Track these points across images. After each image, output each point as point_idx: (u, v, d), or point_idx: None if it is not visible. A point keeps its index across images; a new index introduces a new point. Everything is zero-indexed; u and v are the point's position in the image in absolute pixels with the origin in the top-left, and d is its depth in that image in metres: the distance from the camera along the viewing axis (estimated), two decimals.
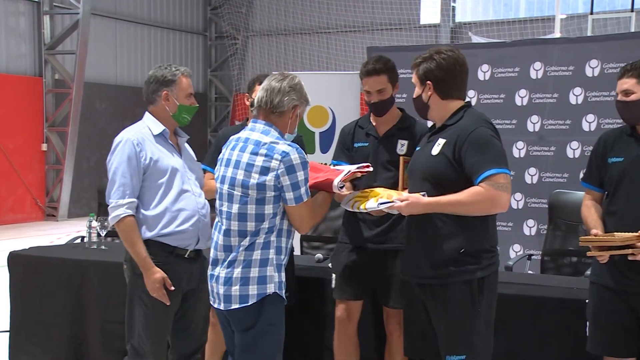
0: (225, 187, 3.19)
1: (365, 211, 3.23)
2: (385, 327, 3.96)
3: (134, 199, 3.50)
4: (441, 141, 3.16)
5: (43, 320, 4.95)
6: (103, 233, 5.30)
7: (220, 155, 3.32)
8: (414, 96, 3.31)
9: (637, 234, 3.11)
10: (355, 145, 3.97)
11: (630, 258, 3.13)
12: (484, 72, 6.91)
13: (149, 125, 3.62)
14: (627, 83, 3.29)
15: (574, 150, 6.56)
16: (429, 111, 3.29)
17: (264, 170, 3.09)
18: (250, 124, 3.27)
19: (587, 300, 3.46)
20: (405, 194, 3.19)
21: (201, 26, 18.76)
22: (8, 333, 5.05)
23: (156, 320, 3.54)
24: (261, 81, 4.14)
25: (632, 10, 11.68)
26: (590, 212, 3.42)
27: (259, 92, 3.33)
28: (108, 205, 3.53)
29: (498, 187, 3.01)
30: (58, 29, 14.52)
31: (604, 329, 3.34)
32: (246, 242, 3.12)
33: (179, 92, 3.59)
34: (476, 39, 13.64)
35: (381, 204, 3.11)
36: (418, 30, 15.98)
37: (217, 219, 3.28)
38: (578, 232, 4.90)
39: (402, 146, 3.87)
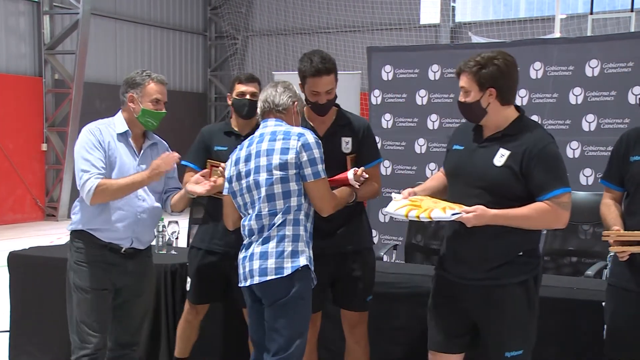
0: (251, 178, 3.37)
1: (428, 220, 3.12)
2: (345, 333, 3.86)
3: (100, 169, 3.62)
4: (504, 152, 3.15)
5: (43, 320, 4.94)
6: None
7: (234, 157, 3.49)
8: (470, 100, 3.19)
9: None
10: None
11: None
12: None
13: (115, 122, 3.81)
14: None
15: (573, 150, 6.56)
16: (486, 117, 3.22)
17: (284, 150, 3.31)
18: (261, 124, 3.47)
19: (603, 303, 3.43)
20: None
21: (201, 26, 18.76)
22: (8, 333, 5.05)
23: (92, 305, 3.64)
24: (241, 80, 4.20)
25: (632, 10, 11.67)
26: (610, 210, 3.36)
27: (259, 104, 3.49)
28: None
29: (563, 207, 3.10)
30: (58, 29, 14.51)
31: (624, 332, 3.28)
32: (278, 219, 3.30)
33: (144, 96, 3.71)
34: (476, 39, 13.64)
35: (453, 214, 3.04)
36: (418, 30, 15.98)
37: (243, 217, 3.45)
38: (578, 232, 4.91)
39: (346, 144, 3.77)
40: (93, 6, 14.32)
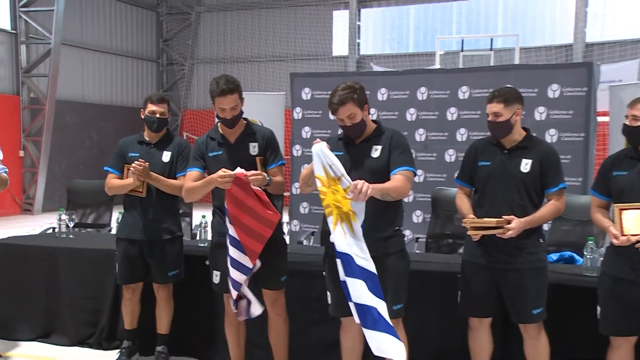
0: None
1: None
2: (267, 307, 3.70)
3: None
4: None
5: (21, 299, 4.76)
6: (71, 224, 5.14)
7: None
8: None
9: (506, 217, 3.20)
10: (210, 154, 3.64)
11: (498, 235, 3.21)
12: (382, 94, 7.00)
13: None
14: (497, 107, 3.31)
15: (450, 156, 6.73)
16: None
17: None
18: None
19: (459, 275, 3.51)
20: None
21: (154, 54, 18.34)
22: None
23: None
24: (152, 100, 4.09)
25: (491, 50, 12.13)
26: (464, 202, 3.49)
27: None
28: None
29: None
30: (33, 55, 13.93)
31: (472, 296, 3.40)
32: None
33: None
34: (376, 68, 13.83)
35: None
36: (331, 60, 16.08)
37: None
38: (454, 220, 5.00)
39: (253, 148, 3.62)
40: (63, 37, 13.85)
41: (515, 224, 3.19)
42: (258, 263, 3.43)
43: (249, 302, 3.52)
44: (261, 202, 3.37)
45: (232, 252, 3.42)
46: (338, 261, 3.04)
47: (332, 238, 3.05)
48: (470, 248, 3.42)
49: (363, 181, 2.98)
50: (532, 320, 3.30)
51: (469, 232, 3.30)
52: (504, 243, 3.25)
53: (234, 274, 3.44)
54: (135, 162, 3.94)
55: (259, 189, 3.41)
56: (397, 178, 3.19)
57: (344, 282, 3.02)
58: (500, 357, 3.56)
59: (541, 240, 3.36)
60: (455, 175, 3.65)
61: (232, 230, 3.41)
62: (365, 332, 2.98)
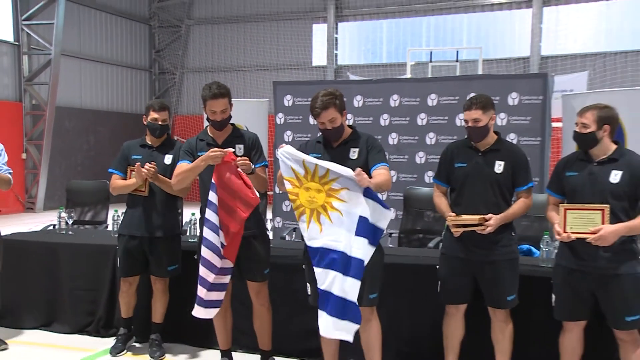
0: None
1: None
2: (252, 298, 3.73)
3: None
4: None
5: (24, 290, 4.72)
6: (70, 222, 5.10)
7: None
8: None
9: (484, 216, 3.24)
10: (199, 154, 3.57)
11: (478, 231, 3.24)
12: (357, 101, 7.00)
13: None
14: (476, 114, 3.28)
15: (420, 158, 6.75)
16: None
17: None
18: None
19: (437, 267, 3.52)
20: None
21: (147, 64, 18.19)
22: None
23: None
24: (154, 107, 4.03)
25: (457, 61, 12.23)
26: (442, 201, 3.49)
27: None
28: None
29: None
30: (34, 65, 13.77)
31: (451, 286, 3.42)
32: None
33: None
34: (353, 77, 13.87)
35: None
36: (310, 69, 16.09)
37: None
38: (424, 216, 5.01)
39: (240, 149, 3.61)
40: (63, 48, 13.71)
41: (493, 221, 3.23)
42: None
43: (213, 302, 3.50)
44: (245, 184, 3.38)
45: (205, 252, 3.42)
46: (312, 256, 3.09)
47: (306, 237, 3.08)
48: (449, 243, 3.43)
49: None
50: (507, 306, 3.35)
51: (452, 229, 3.31)
52: (480, 238, 3.28)
53: (203, 271, 3.44)
54: (146, 164, 3.90)
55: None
56: (382, 172, 3.22)
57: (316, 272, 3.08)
58: (468, 341, 3.60)
59: (513, 234, 3.39)
60: (427, 175, 3.67)
61: (213, 197, 3.39)
62: (319, 312, 3.07)
